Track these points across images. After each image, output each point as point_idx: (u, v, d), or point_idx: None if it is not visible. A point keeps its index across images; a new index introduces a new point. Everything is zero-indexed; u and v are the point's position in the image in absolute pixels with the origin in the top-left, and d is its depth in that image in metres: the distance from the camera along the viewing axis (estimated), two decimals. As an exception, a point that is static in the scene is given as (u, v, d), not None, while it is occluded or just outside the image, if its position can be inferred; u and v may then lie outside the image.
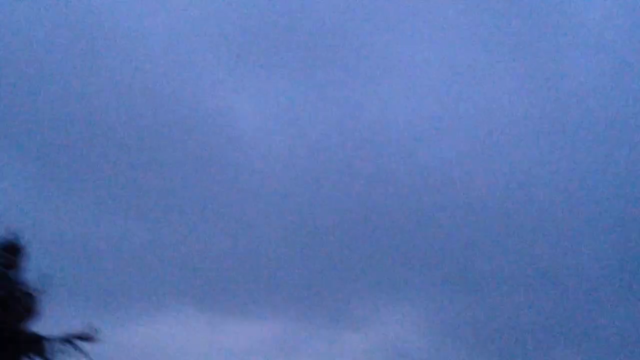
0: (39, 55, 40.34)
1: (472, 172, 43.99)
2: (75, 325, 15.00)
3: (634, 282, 38.52)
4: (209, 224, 42.48)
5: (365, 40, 46.92)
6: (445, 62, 47.75)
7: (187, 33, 45.32)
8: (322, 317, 42.51)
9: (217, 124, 43.68)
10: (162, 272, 40.04)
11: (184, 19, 45.55)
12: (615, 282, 40.21)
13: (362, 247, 40.46)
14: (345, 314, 41.81)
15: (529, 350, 38.89)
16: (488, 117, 46.06)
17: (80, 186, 39.27)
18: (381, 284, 41.34)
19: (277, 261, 40.93)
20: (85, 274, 35.08)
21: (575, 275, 40.53)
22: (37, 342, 12.06)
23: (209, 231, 42.20)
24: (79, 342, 12.20)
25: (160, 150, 41.64)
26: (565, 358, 39.81)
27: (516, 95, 46.16)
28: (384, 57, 47.74)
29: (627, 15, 47.44)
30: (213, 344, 40.98)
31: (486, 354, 38.94)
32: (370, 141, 44.76)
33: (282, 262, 40.78)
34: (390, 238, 40.53)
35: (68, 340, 11.98)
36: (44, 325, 21.41)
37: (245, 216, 41.90)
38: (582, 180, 43.19)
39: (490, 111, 46.16)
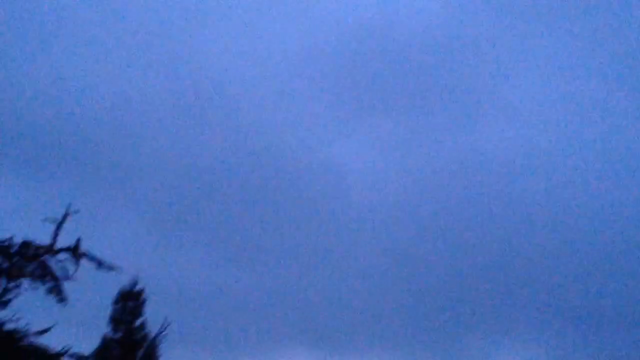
0: (146, 111, 42.77)
1: (588, 204, 42.49)
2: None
3: None
4: (319, 269, 43.13)
5: (472, 79, 46.64)
6: (556, 95, 46.70)
7: (288, 80, 46.79)
8: (437, 356, 41.89)
9: (323, 172, 44.58)
10: (275, 316, 40.80)
11: (284, 65, 47.08)
12: None
13: (474, 286, 39.78)
14: (458, 355, 41.03)
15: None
16: (603, 148, 44.47)
17: (192, 237, 40.97)
18: (494, 323, 40.39)
19: (386, 302, 40.89)
20: (201, 320, 36.29)
21: None
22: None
23: (319, 276, 42.82)
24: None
25: (267, 201, 42.84)
26: None
27: (633, 128, 44.38)
28: (491, 94, 47.34)
29: None
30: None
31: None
32: (481, 180, 44.23)
33: (392, 302, 40.68)
34: (503, 275, 39.66)
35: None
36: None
37: (354, 260, 42.27)
38: None
39: (605, 142, 44.50)
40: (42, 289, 11.25)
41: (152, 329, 23.91)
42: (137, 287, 24.62)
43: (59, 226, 10.97)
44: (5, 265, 11.01)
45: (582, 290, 38.69)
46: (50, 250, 11.04)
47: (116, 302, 24.31)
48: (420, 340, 41.31)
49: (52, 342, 11.67)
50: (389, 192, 43.30)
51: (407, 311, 40.81)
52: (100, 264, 11.28)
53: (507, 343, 40.28)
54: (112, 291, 24.57)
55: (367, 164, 44.07)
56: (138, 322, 24.22)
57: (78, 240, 11.05)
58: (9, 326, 11.18)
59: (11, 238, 10.94)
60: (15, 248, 10.96)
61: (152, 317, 24.50)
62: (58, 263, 11.16)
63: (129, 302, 24.37)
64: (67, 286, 11.55)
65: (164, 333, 23.18)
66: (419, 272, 40.58)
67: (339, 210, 42.52)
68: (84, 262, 11.26)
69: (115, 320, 24.04)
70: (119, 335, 23.82)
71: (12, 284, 11.20)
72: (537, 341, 40.29)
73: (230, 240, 41.23)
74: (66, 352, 11.43)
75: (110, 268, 11.38)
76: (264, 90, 44.79)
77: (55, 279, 11.19)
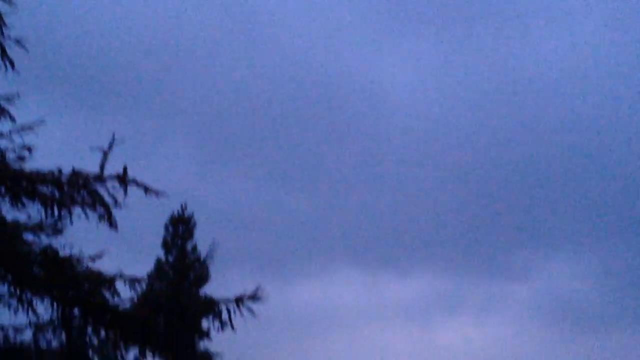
0: (193, 38, 42.56)
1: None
2: (244, 288, 16.18)
3: None
4: (365, 189, 43.27)
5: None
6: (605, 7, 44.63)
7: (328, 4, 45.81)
8: (482, 269, 42.10)
9: (364, 92, 44.05)
10: (322, 237, 41.45)
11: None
12: None
13: (523, 196, 39.38)
14: (507, 266, 41.10)
15: None
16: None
17: (238, 162, 41.35)
18: (544, 233, 40.17)
19: (434, 217, 40.92)
20: (252, 243, 37.10)
21: None
22: (212, 305, 13.09)
23: (364, 196, 43.01)
24: (249, 303, 13.12)
25: (311, 123, 42.71)
26: None
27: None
28: (536, 6, 45.55)
29: None
30: (374, 301, 42.04)
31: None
32: (525, 95, 43.14)
33: (440, 217, 40.69)
34: (552, 185, 39.07)
35: (240, 301, 12.91)
36: (216, 289, 23.13)
37: (397, 179, 42.20)
38: None
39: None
40: (93, 217, 11.53)
41: (203, 252, 24.64)
42: (187, 212, 25.24)
43: (106, 155, 11.14)
44: (57, 194, 11.29)
45: (631, 202, 38.02)
46: (99, 178, 11.26)
47: (167, 227, 25.04)
48: (465, 256, 41.52)
49: (107, 267, 12.05)
50: (430, 110, 42.70)
51: (452, 228, 40.90)
52: (147, 189, 11.47)
53: (555, 256, 40.19)
54: (163, 217, 25.24)
55: (407, 83, 43.44)
56: (189, 246, 24.97)
57: (125, 168, 11.22)
58: (64, 253, 11.56)
59: (60, 169, 11.17)
60: (65, 178, 11.20)
61: (202, 241, 25.18)
62: (107, 191, 11.38)
63: (180, 227, 25.07)
64: (117, 213, 11.79)
65: (213, 254, 23.79)
66: (462, 188, 40.40)
67: (381, 131, 42.22)
68: (132, 188, 11.45)
69: (167, 245, 24.84)
70: (171, 258, 24.62)
71: (64, 213, 11.51)
72: (585, 253, 40.07)
73: (277, 164, 41.50)
74: (120, 275, 11.78)
75: (158, 193, 11.57)
76: (308, 18, 44.00)
77: (105, 206, 11.44)
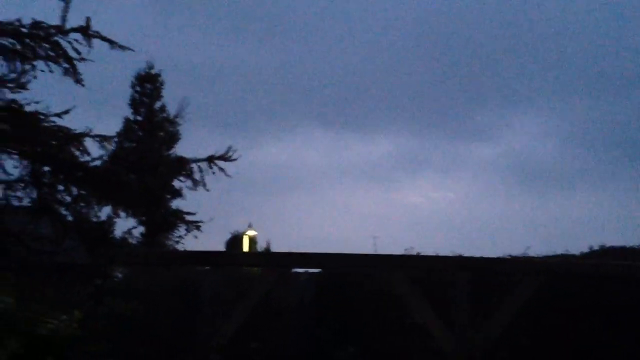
0: None
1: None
2: (214, 147, 16.14)
3: None
4: (334, 46, 42.31)
5: None
6: None
7: None
8: (446, 129, 42.38)
9: None
10: (288, 95, 40.98)
11: None
12: None
13: (488, 55, 38.97)
14: (471, 125, 41.36)
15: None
16: None
17: (200, 13, 39.69)
18: (509, 92, 40.16)
19: (398, 73, 40.49)
20: (217, 100, 36.54)
21: None
22: (184, 165, 13.03)
23: (333, 53, 42.13)
24: (219, 162, 13.10)
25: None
26: None
27: None
28: None
29: None
30: (339, 161, 42.50)
31: (621, 159, 37.82)
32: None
33: (404, 73, 40.25)
34: (517, 42, 38.61)
35: (211, 160, 12.86)
36: (186, 148, 23.05)
37: (366, 36, 41.23)
38: None
39: None
40: (57, 71, 11.10)
41: (172, 111, 24.28)
42: (155, 70, 24.58)
43: (67, 4, 10.52)
44: (18, 47, 10.78)
45: (597, 59, 37.87)
46: (61, 30, 10.71)
47: (134, 85, 24.45)
48: (429, 115, 41.67)
49: (74, 124, 11.77)
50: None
51: (416, 87, 40.66)
52: (112, 43, 10.98)
53: (520, 115, 40.55)
54: (129, 73, 24.56)
55: None
56: (157, 105, 24.54)
57: (88, 20, 10.67)
58: (29, 108, 11.22)
59: (20, 19, 10.58)
60: (25, 29, 10.64)
61: (170, 100, 24.72)
62: (70, 44, 10.88)
63: (147, 85, 24.48)
64: (82, 67, 11.36)
65: (183, 113, 23.48)
66: (428, 47, 39.75)
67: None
68: (95, 42, 10.97)
69: (135, 103, 24.35)
70: (139, 117, 24.25)
71: (27, 66, 11.05)
72: (550, 112, 40.44)
73: (239, 15, 39.97)
74: (88, 133, 11.53)
75: (123, 48, 11.10)
76: None
77: (69, 59, 10.98)
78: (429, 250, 13.60)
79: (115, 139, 13.89)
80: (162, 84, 24.55)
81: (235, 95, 38.78)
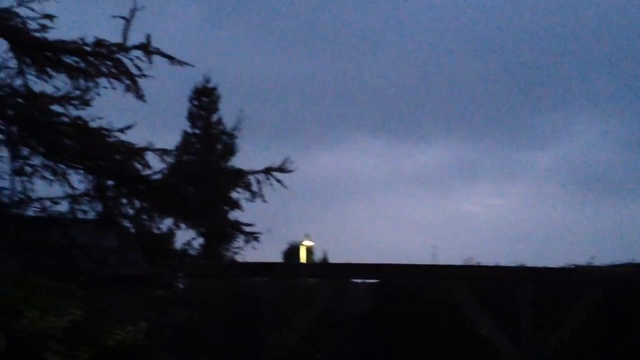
0: None
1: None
2: (267, 158, 16.39)
3: None
4: (384, 56, 42.30)
5: None
6: None
7: None
8: (504, 136, 41.73)
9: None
10: (343, 105, 41.09)
11: None
12: None
13: (547, 60, 38.24)
14: (530, 132, 40.61)
15: None
16: None
17: (255, 24, 40.17)
18: (568, 98, 39.31)
19: (454, 83, 40.13)
20: (270, 111, 36.84)
21: None
22: (241, 176, 13.17)
23: (384, 63, 42.10)
24: (277, 174, 13.19)
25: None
26: None
27: None
28: None
29: None
30: (394, 170, 42.28)
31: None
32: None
33: (458, 81, 39.87)
34: (579, 48, 37.75)
35: (268, 172, 12.96)
36: (241, 159, 23.35)
37: (420, 44, 41.05)
38: None
39: None
40: (119, 87, 11.41)
41: (228, 124, 24.64)
42: (211, 83, 25.00)
43: (129, 23, 10.82)
44: (82, 65, 11.13)
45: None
46: (123, 48, 11.02)
47: (191, 98, 24.92)
48: (485, 123, 41.10)
49: (135, 138, 12.07)
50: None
51: (472, 94, 40.13)
52: (172, 59, 11.24)
53: (580, 121, 39.66)
54: (187, 88, 25.04)
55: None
56: (214, 118, 24.94)
57: (148, 37, 10.94)
58: (93, 124, 11.55)
59: (83, 38, 10.92)
60: (89, 48, 10.99)
61: (228, 111, 25.10)
62: (132, 61, 11.18)
63: (204, 98, 24.92)
64: (142, 83, 11.66)
65: (241, 126, 23.77)
66: (484, 53, 39.27)
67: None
68: (156, 58, 11.24)
69: (193, 116, 24.80)
70: (197, 131, 24.68)
71: (90, 84, 11.39)
72: (612, 118, 39.41)
73: (294, 26, 40.28)
74: (150, 147, 11.81)
75: (182, 63, 11.34)
76: None
77: (130, 76, 11.28)
78: (488, 260, 13.41)
79: (175, 153, 14.15)
80: (218, 97, 24.95)
81: (289, 106, 39.06)
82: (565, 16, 38.24)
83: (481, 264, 13.01)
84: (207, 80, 24.82)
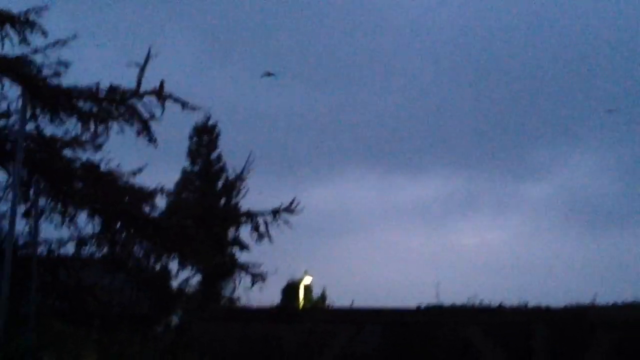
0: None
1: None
2: (265, 194, 16.58)
3: None
4: (378, 87, 42.56)
5: None
6: None
7: None
8: (498, 168, 41.95)
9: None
10: (336, 138, 41.27)
11: None
12: None
13: (541, 93, 38.65)
14: (524, 164, 40.84)
15: None
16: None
17: (247, 58, 40.47)
18: (561, 130, 39.66)
19: (449, 115, 40.40)
20: (266, 144, 36.90)
21: None
22: (249, 218, 13.28)
23: (377, 94, 42.40)
24: (284, 214, 13.30)
25: (323, 18, 41.37)
26: None
27: None
28: None
29: None
30: (389, 203, 42.32)
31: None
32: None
33: (454, 112, 40.14)
34: (572, 80, 38.18)
35: (277, 213, 13.09)
36: (247, 198, 23.42)
37: (414, 75, 41.39)
38: None
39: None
40: (131, 131, 11.58)
41: (228, 159, 24.77)
42: (211, 122, 25.19)
43: (143, 70, 11.03)
44: (95, 110, 11.30)
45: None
46: (137, 94, 11.22)
47: (191, 137, 25.09)
48: (480, 155, 41.35)
49: (140, 179, 12.21)
50: (444, 4, 41.41)
51: (467, 126, 40.43)
52: (184, 105, 11.44)
53: (574, 153, 39.93)
54: (185, 126, 25.20)
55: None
56: (214, 155, 25.09)
57: (162, 83, 11.16)
58: (105, 168, 11.68)
59: (98, 83, 11.12)
60: (102, 93, 11.17)
61: (229, 148, 25.23)
62: (144, 106, 11.37)
63: (204, 136, 25.10)
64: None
65: (249, 168, 23.85)
66: (478, 85, 39.69)
67: (394, 25, 40.99)
68: (168, 103, 11.44)
69: (192, 154, 24.96)
70: (197, 168, 24.82)
71: (102, 128, 11.55)
72: (605, 149, 39.69)
73: (286, 60, 40.56)
74: (161, 190, 11.94)
75: (194, 108, 11.54)
76: None
77: (142, 121, 11.46)
78: (490, 297, 13.43)
79: (174, 191, 14.31)
80: (218, 135, 25.15)
81: (284, 140, 39.22)
82: (561, 49, 38.91)
83: (492, 306, 13.06)
84: (208, 118, 25.05)
